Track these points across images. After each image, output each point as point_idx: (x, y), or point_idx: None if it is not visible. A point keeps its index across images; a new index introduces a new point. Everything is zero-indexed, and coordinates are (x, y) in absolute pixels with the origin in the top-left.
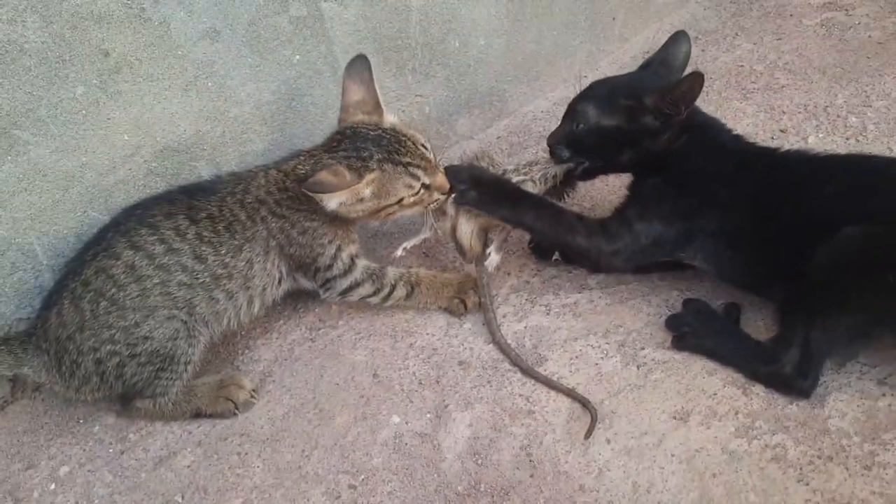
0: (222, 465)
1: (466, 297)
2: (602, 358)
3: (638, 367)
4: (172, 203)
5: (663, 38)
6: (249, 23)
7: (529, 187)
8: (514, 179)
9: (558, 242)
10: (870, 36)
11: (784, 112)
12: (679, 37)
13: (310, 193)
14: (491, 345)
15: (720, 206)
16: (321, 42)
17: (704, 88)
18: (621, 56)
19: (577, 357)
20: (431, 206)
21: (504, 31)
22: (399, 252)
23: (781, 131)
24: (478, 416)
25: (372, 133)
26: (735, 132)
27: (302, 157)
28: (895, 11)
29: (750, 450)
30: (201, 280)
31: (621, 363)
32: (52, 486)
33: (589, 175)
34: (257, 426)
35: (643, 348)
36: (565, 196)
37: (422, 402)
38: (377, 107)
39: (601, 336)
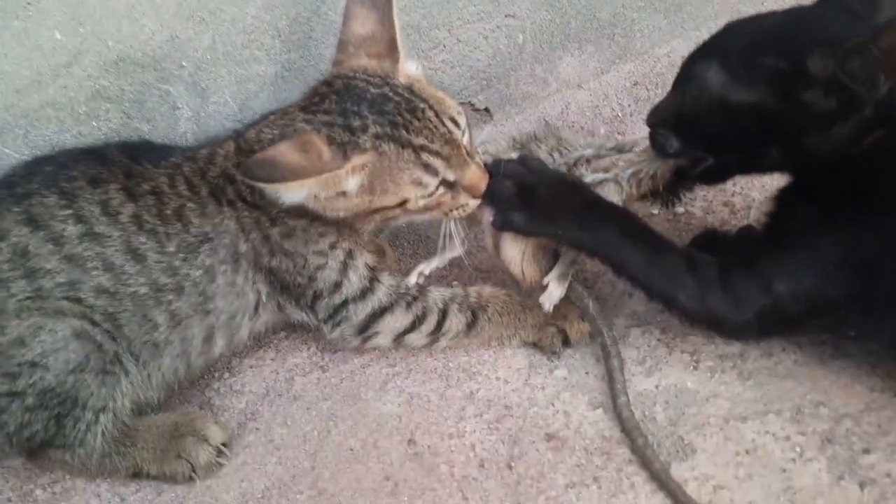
0: None
1: (568, 325)
2: (793, 459)
3: (861, 487)
4: (104, 163)
5: None
6: None
7: (611, 191)
8: (589, 178)
9: (654, 296)
10: None
11: None
12: None
13: (249, 181)
14: (600, 410)
15: None
16: None
17: None
18: None
19: (747, 452)
20: (456, 213)
21: None
22: (413, 278)
23: None
24: None
25: (374, 90)
26: None
27: (271, 118)
28: None
29: None
30: (133, 288)
31: (828, 473)
32: None
33: (713, 177)
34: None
35: (867, 451)
36: (674, 201)
37: (482, 500)
38: (392, 48)
39: (789, 419)
